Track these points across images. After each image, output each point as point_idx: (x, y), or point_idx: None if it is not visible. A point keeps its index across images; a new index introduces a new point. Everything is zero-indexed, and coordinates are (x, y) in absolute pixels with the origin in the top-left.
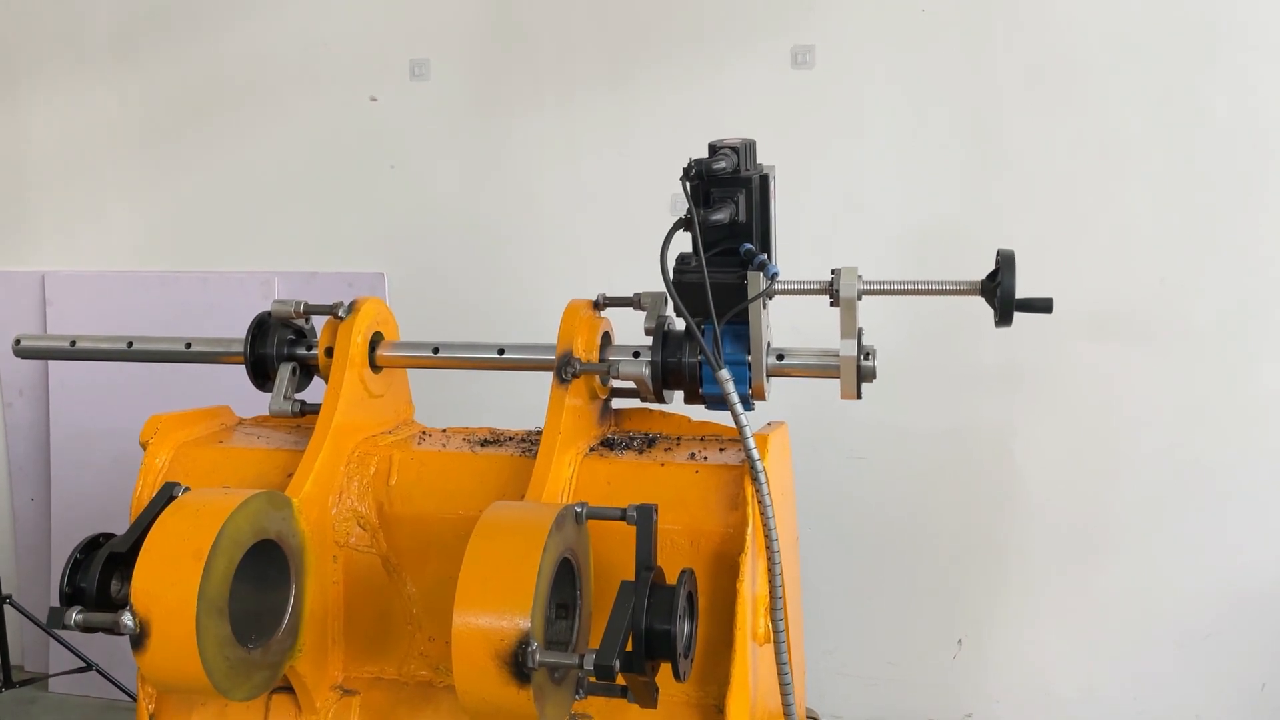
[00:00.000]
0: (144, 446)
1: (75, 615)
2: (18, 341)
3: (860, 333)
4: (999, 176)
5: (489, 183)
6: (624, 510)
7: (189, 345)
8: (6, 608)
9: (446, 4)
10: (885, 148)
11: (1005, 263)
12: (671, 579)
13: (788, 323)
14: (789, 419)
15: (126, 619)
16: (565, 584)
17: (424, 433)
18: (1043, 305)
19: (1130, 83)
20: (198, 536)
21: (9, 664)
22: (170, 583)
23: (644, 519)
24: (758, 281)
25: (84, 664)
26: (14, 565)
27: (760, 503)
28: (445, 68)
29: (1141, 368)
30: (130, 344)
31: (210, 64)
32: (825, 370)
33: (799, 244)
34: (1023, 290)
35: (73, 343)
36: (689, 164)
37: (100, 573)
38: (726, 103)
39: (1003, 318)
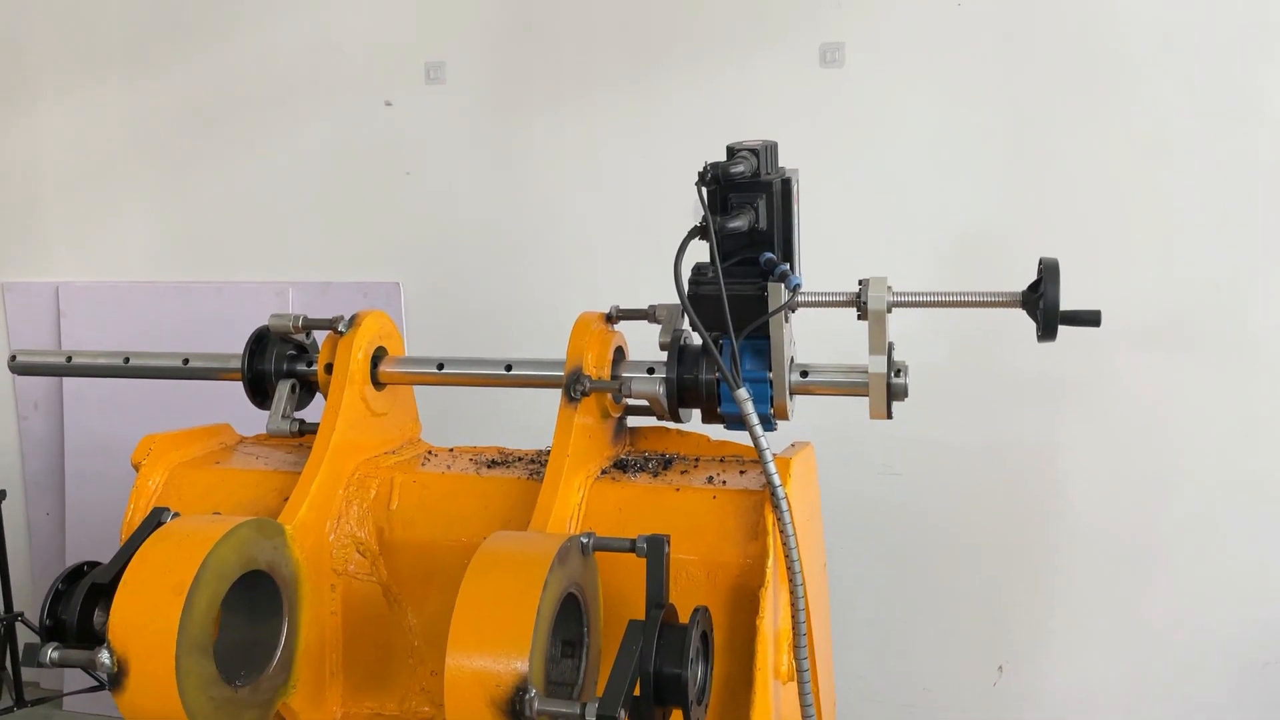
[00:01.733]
0: (136, 468)
1: (50, 652)
2: (13, 358)
3: (891, 348)
4: (1041, 179)
5: (507, 189)
6: (633, 542)
7: (186, 361)
8: (19, 625)
9: (462, 4)
10: (920, 150)
11: (1049, 272)
12: (686, 614)
13: (818, 332)
14: (818, 431)
15: (104, 657)
16: (571, 621)
17: (430, 452)
18: (1090, 318)
19: (1180, 78)
20: (179, 569)
21: (22, 682)
22: (149, 619)
23: (654, 552)
24: (779, 293)
25: (98, 683)
26: (30, 581)
27: (782, 532)
28: (461, 70)
29: (1194, 379)
30: (127, 359)
31: (223, 71)
32: (853, 388)
33: (827, 252)
34: (1068, 301)
35: (69, 358)
36: (704, 167)
37: (82, 605)
38: (752, 104)
39: (1046, 331)
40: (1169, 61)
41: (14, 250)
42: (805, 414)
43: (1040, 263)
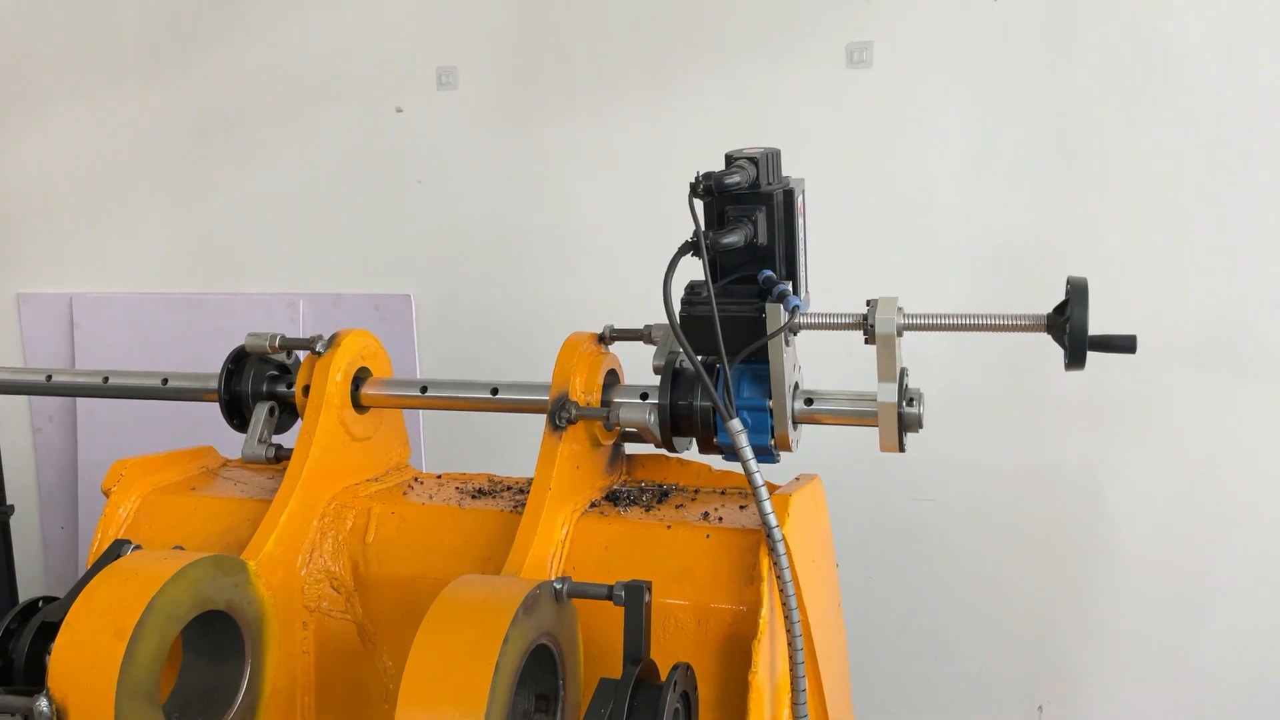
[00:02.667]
0: (106, 495)
1: None
2: None
3: (903, 374)
4: (1085, 188)
5: (520, 198)
6: (610, 589)
7: (165, 381)
8: None
9: (474, 7)
10: (953, 155)
11: (1076, 293)
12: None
13: (841, 349)
14: (842, 452)
15: (42, 705)
16: (545, 673)
17: (415, 480)
18: (1124, 344)
19: (1239, 76)
20: (122, 612)
21: None
22: (89, 665)
23: (633, 600)
24: (777, 315)
25: None
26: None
27: (779, 578)
28: (473, 75)
29: (1252, 402)
30: (106, 379)
31: (234, 79)
32: (862, 418)
33: (850, 266)
34: (1116, 318)
35: (48, 377)
36: (696, 177)
37: (33, 644)
38: (775, 108)
39: (1073, 358)
40: (1227, 57)
41: (30, 261)
42: (828, 434)
43: (1068, 282)
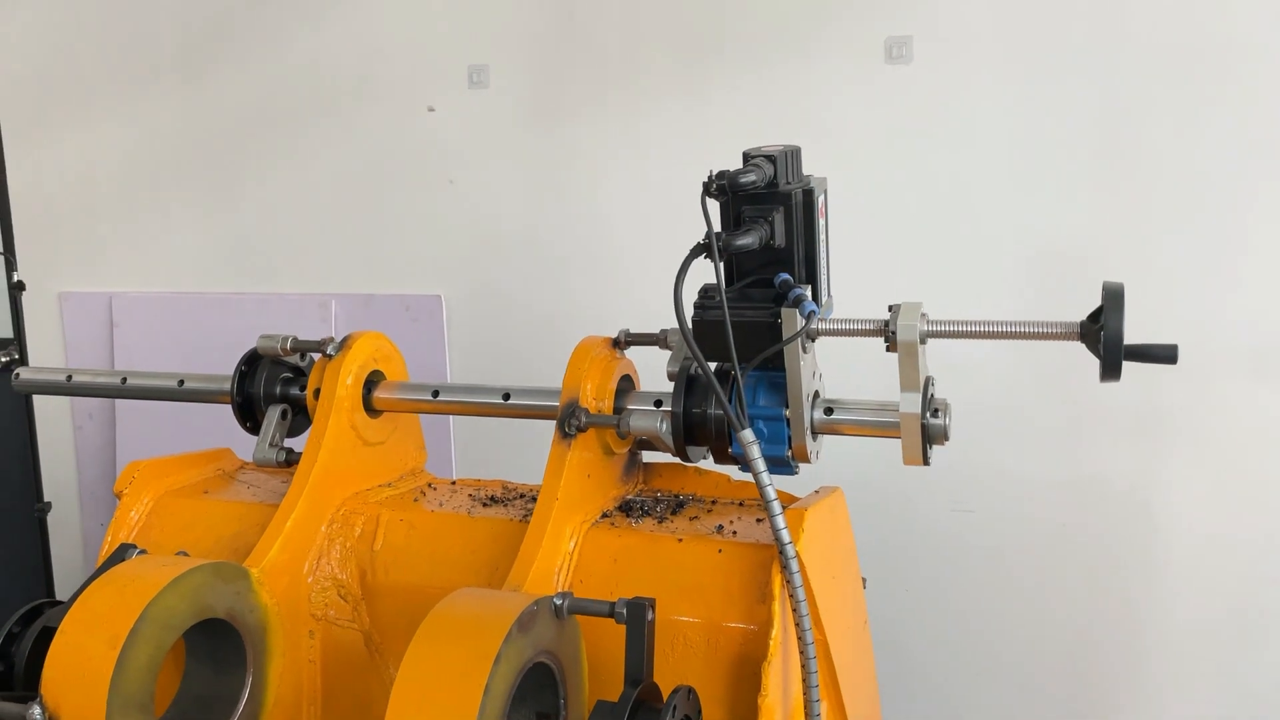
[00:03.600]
0: (118, 497)
1: None
2: (16, 375)
3: (928, 383)
4: (1134, 188)
5: (552, 197)
6: (612, 605)
7: (181, 383)
8: None
9: (505, 6)
10: (995, 154)
11: (1111, 299)
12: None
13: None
14: (874, 459)
15: (35, 712)
16: (545, 691)
17: (429, 486)
18: (1164, 354)
19: None
20: (116, 620)
21: None
22: (80, 675)
23: (635, 618)
24: (793, 320)
25: None
26: None
27: (792, 597)
28: (505, 74)
29: None
30: (124, 380)
31: (269, 80)
32: (884, 429)
33: (886, 269)
34: (1159, 328)
35: (69, 377)
36: (709, 176)
37: (33, 648)
38: (809, 105)
39: (1108, 369)
40: None
41: (71, 260)
42: (860, 441)
43: (1104, 289)
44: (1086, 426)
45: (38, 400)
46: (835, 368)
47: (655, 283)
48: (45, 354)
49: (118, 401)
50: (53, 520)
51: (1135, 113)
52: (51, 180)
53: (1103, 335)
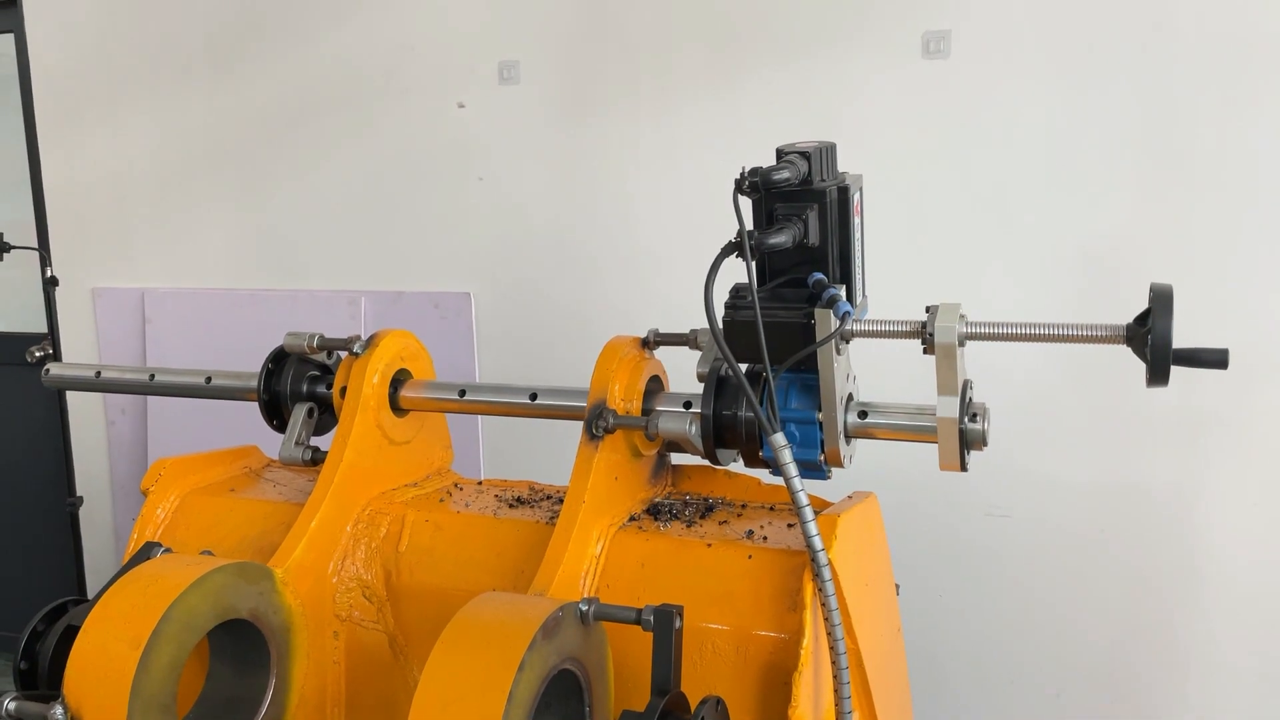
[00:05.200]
0: (145, 494)
1: (8, 704)
2: (46, 370)
3: (966, 386)
4: (1178, 188)
5: (582, 195)
6: (639, 612)
7: (209, 380)
8: None
9: (536, 2)
10: (1035, 152)
11: (1160, 302)
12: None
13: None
14: (909, 462)
15: (57, 712)
16: (571, 698)
17: (455, 486)
18: (1213, 359)
19: None
20: (139, 620)
21: None
22: (102, 675)
23: (663, 626)
24: (827, 321)
25: None
26: None
27: (824, 605)
28: (535, 70)
29: None
30: (152, 376)
31: (299, 76)
32: (920, 433)
33: (924, 269)
34: (1203, 331)
35: (98, 373)
36: (742, 173)
37: (57, 647)
38: (846, 101)
39: (1155, 374)
40: None
41: (104, 256)
42: (894, 443)
43: (1151, 290)
44: (1126, 431)
45: (71, 395)
46: (869, 370)
47: (685, 282)
48: (79, 349)
49: (150, 397)
50: (84, 515)
51: (1178, 109)
52: (85, 177)
53: (1150, 339)
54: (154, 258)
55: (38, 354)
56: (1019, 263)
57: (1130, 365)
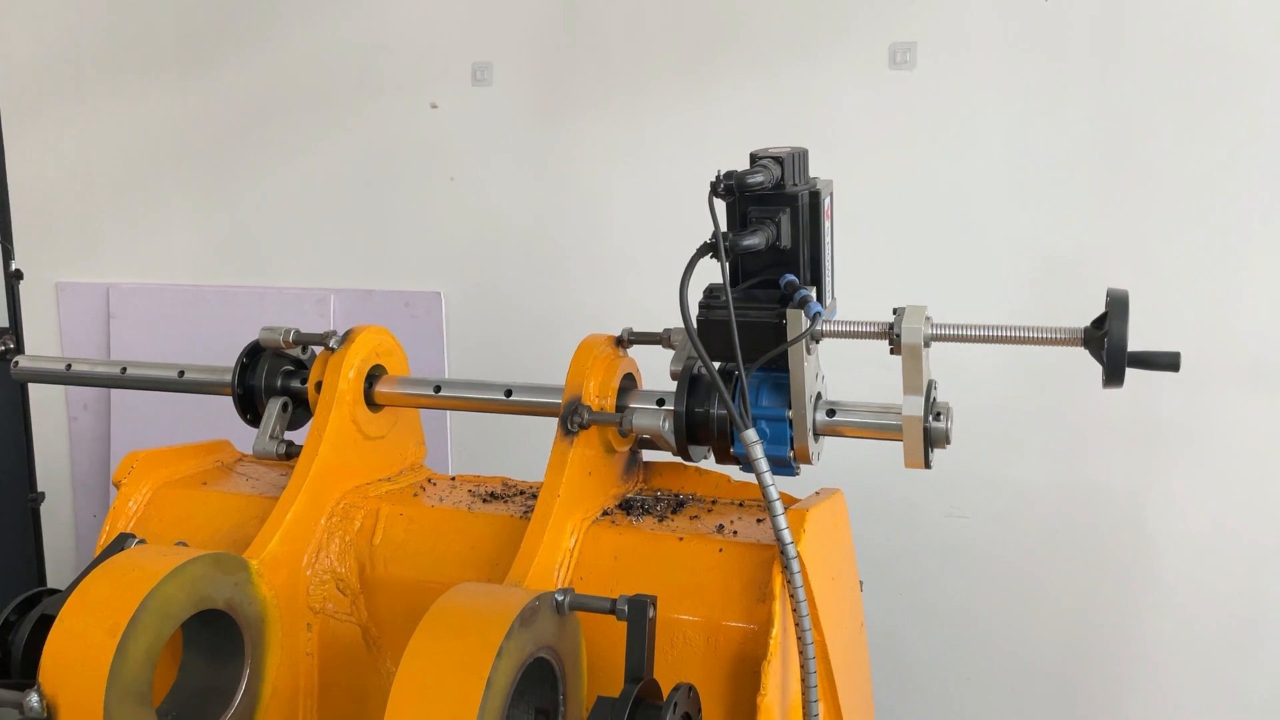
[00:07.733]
0: (117, 487)
1: None
2: (15, 363)
3: (931, 387)
4: (1137, 196)
5: (553, 197)
6: (613, 602)
7: (181, 374)
8: None
9: (510, 4)
10: (1000, 161)
11: (1116, 306)
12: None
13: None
14: (871, 465)
15: (32, 699)
16: (545, 687)
17: (428, 481)
18: (1166, 362)
19: None
20: (116, 609)
21: None
22: (79, 663)
23: (636, 615)
24: (798, 321)
25: None
26: None
27: (792, 597)
28: (509, 71)
29: None
30: (124, 370)
31: (269, 73)
32: (886, 431)
33: (890, 274)
34: (1159, 335)
35: (68, 366)
36: (717, 176)
37: (31, 637)
38: (813, 109)
39: (1111, 376)
40: None
41: (68, 251)
42: (858, 444)
43: (1108, 295)
44: (1083, 433)
45: (33, 391)
46: (837, 370)
47: (655, 283)
48: (41, 343)
49: (113, 393)
50: (45, 511)
51: (1138, 120)
52: (50, 170)
53: (1106, 342)
54: (120, 253)
55: None
56: (982, 268)
57: (1087, 370)
